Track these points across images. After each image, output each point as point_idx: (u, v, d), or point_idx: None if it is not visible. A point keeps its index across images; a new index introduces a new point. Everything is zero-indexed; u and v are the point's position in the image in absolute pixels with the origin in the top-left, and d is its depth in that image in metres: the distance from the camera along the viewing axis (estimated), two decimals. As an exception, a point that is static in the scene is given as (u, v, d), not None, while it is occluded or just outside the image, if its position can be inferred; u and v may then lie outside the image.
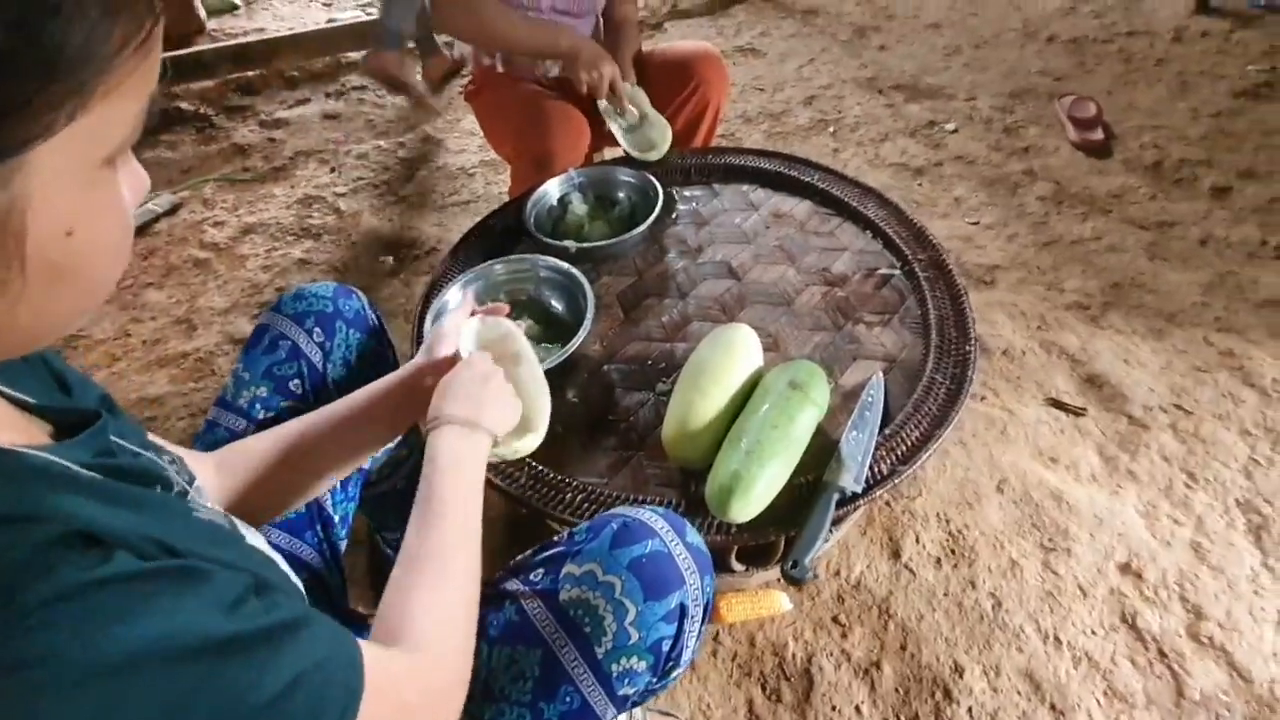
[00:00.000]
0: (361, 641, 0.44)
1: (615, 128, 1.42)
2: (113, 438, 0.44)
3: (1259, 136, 1.99)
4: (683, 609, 0.60)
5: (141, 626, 0.32)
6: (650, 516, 0.63)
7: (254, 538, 0.52)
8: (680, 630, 0.60)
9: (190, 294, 1.87)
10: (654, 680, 0.61)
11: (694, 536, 0.64)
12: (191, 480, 0.52)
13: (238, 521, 0.52)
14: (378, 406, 0.73)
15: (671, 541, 0.62)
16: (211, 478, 0.66)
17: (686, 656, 0.63)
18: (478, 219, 1.33)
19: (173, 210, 2.16)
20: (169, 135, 2.50)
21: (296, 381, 0.81)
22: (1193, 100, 2.17)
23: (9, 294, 0.33)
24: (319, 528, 0.82)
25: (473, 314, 0.86)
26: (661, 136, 1.39)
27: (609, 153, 1.73)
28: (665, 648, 0.60)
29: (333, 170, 2.29)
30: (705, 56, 1.51)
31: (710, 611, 0.65)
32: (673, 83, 1.48)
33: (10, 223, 0.31)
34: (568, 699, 0.57)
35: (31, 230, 0.32)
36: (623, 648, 0.57)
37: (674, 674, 0.64)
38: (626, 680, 0.58)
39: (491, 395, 0.69)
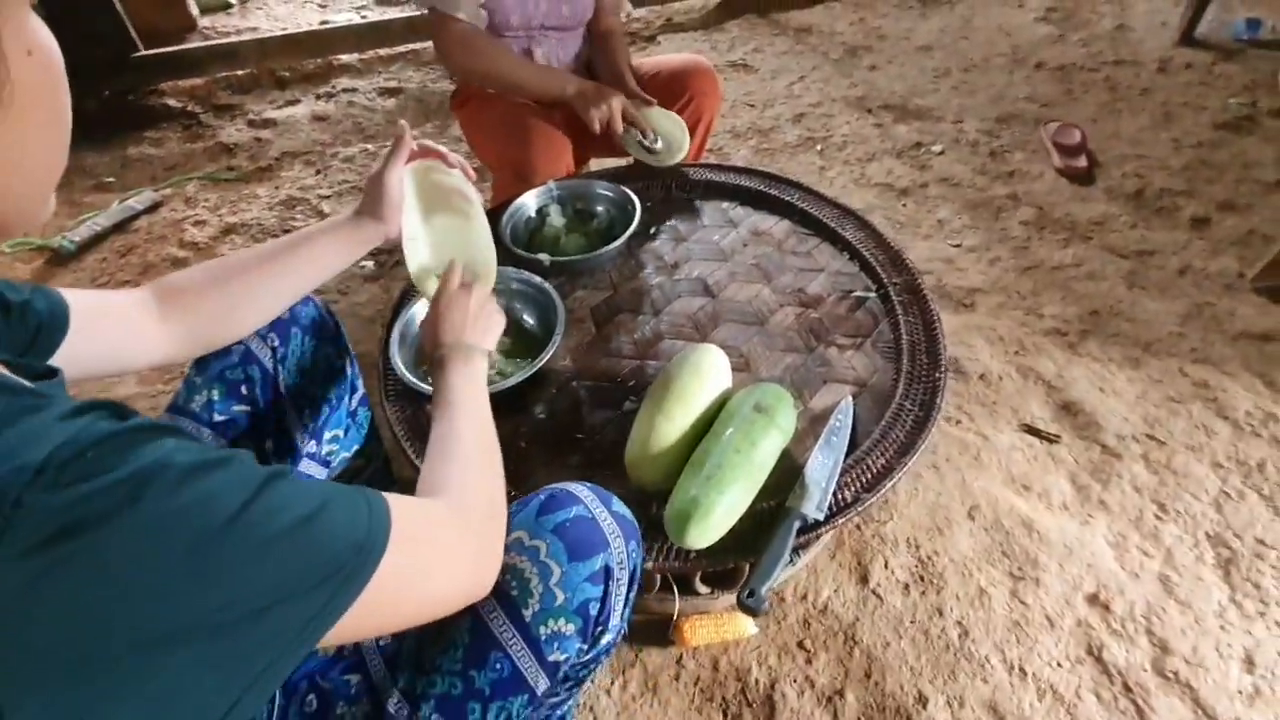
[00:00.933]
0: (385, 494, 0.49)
1: (634, 150, 1.42)
2: None
3: (1238, 169, 2.01)
4: (608, 570, 0.61)
5: (175, 451, 0.37)
6: (576, 487, 0.65)
7: None
8: (606, 592, 0.61)
9: (166, 293, 1.84)
10: (584, 647, 0.61)
11: (620, 506, 0.66)
12: None
13: None
14: (323, 247, 0.83)
15: (596, 508, 0.63)
16: (149, 316, 0.70)
17: (615, 622, 0.63)
18: (455, 228, 1.32)
19: (153, 208, 2.14)
20: (154, 132, 2.48)
21: (246, 386, 0.80)
22: (1175, 131, 2.19)
23: None
24: None
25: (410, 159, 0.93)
26: (681, 133, 1.39)
27: (594, 164, 1.72)
28: (593, 610, 0.60)
29: (318, 172, 2.27)
30: (699, 70, 1.51)
31: (638, 579, 0.66)
32: (666, 96, 1.48)
33: None
34: (498, 665, 0.58)
35: (6, 46, 0.37)
36: (549, 609, 0.58)
37: (604, 640, 0.64)
38: (556, 645, 0.58)
39: (478, 321, 0.79)
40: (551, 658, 0.59)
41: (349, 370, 0.94)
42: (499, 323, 0.83)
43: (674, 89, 1.49)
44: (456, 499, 0.58)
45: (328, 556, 0.41)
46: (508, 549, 0.60)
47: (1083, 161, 2.04)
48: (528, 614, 0.58)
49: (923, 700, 1.00)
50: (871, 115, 2.38)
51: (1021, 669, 1.03)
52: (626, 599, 0.64)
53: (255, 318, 0.79)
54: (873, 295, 1.13)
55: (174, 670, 0.35)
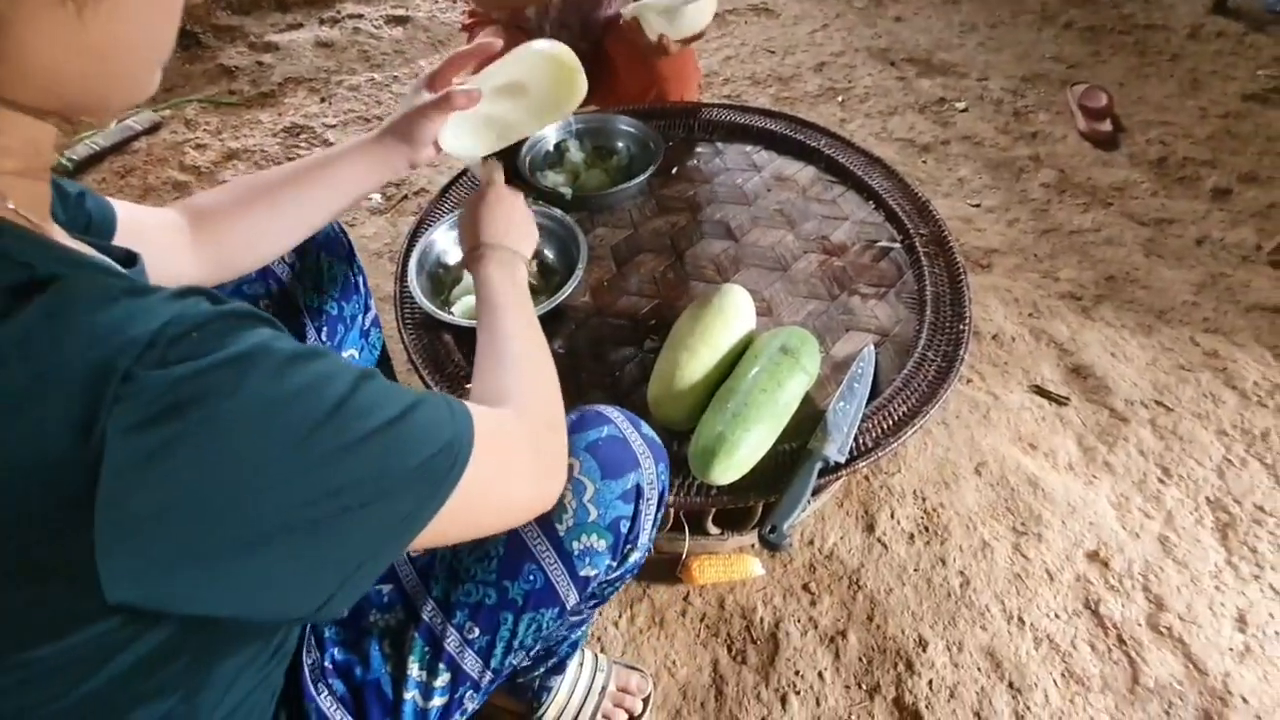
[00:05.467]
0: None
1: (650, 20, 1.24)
2: None
3: (1263, 141, 1.98)
4: (639, 489, 0.62)
5: (273, 339, 0.38)
6: (606, 408, 0.65)
7: None
8: (637, 511, 0.62)
9: (167, 217, 1.80)
10: (614, 564, 0.63)
11: (648, 430, 0.67)
12: None
13: None
14: (348, 170, 0.76)
15: (627, 429, 0.64)
16: (181, 238, 0.67)
17: (643, 540, 0.65)
18: (471, 159, 1.28)
19: (153, 129, 2.07)
20: (152, 50, 2.39)
21: (266, 302, 0.78)
22: (1202, 99, 2.15)
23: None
24: None
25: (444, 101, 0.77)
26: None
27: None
28: (623, 528, 0.61)
29: (322, 100, 2.20)
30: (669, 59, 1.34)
31: (665, 502, 0.67)
32: (634, 82, 1.42)
33: None
34: (531, 577, 0.59)
35: None
36: (583, 524, 0.59)
37: (632, 558, 0.65)
38: (587, 559, 0.60)
39: (519, 224, 0.78)
40: (583, 572, 0.60)
41: (362, 288, 0.92)
42: (534, 235, 0.81)
43: (642, 78, 1.40)
44: (519, 407, 0.56)
45: (420, 458, 0.41)
46: None
47: (1107, 125, 2.00)
48: (561, 529, 0.58)
49: (922, 644, 1.03)
50: (895, 68, 2.32)
51: (1020, 619, 1.05)
52: (655, 519, 0.65)
53: (282, 244, 0.74)
54: (898, 246, 1.11)
55: (269, 562, 0.35)
